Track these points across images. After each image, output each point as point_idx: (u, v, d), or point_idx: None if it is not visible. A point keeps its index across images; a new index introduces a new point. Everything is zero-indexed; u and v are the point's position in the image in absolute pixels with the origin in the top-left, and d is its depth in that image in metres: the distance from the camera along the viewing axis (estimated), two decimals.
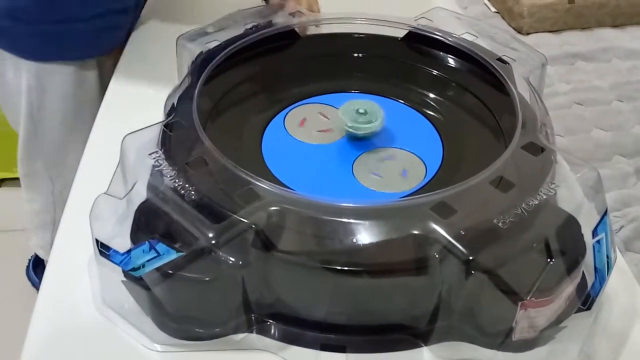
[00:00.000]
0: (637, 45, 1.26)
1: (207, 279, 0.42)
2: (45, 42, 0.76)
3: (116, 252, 0.43)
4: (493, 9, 1.40)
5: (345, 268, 0.41)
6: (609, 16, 1.31)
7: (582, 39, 1.28)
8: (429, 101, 0.63)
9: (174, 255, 0.41)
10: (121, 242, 0.44)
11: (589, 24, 1.32)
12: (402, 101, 0.63)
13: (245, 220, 0.41)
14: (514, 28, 1.32)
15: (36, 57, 0.76)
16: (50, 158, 0.83)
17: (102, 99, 0.71)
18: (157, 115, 0.54)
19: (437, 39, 0.63)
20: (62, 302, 0.48)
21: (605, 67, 1.21)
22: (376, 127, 0.56)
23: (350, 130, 0.56)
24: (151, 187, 0.46)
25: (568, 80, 1.18)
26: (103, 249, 0.44)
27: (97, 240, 0.44)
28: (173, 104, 0.52)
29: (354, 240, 0.41)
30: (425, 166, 0.55)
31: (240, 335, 0.45)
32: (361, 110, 0.56)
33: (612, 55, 1.24)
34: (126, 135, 0.48)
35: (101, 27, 0.77)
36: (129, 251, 0.43)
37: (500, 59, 0.59)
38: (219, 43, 0.60)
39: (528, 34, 1.31)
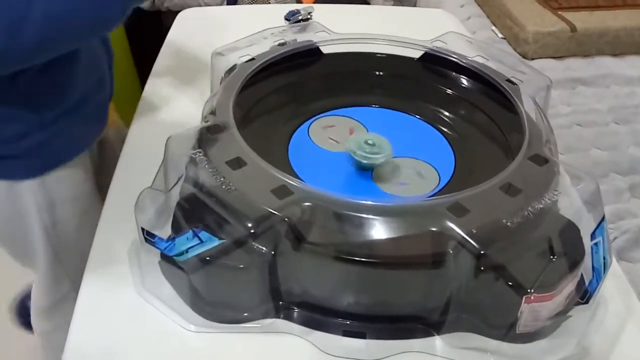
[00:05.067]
0: (634, 72, 1.31)
1: (242, 266, 0.47)
2: (38, 153, 0.63)
3: (161, 239, 0.48)
4: (500, 35, 1.46)
5: (368, 260, 0.45)
6: (608, 45, 1.37)
7: (583, 66, 1.33)
8: (443, 117, 0.68)
9: (216, 243, 0.45)
10: (159, 233, 0.48)
11: (590, 52, 1.37)
12: (417, 116, 0.68)
13: (280, 214, 0.46)
14: (519, 53, 1.38)
15: (35, 174, 0.64)
16: (76, 270, 0.57)
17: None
18: (185, 119, 0.57)
19: (451, 60, 0.68)
20: (104, 287, 0.52)
21: (604, 92, 1.26)
22: (382, 159, 0.57)
23: (358, 158, 0.56)
24: (193, 182, 0.50)
25: (569, 102, 1.23)
26: (148, 237, 0.48)
27: (142, 229, 0.49)
28: (212, 108, 0.57)
29: (377, 236, 0.46)
30: (439, 175, 0.60)
31: (269, 320, 0.49)
32: (370, 142, 0.57)
33: (611, 81, 1.30)
34: (171, 136, 0.53)
35: (87, 112, 0.67)
36: (172, 238, 0.47)
37: (509, 80, 0.64)
38: (251, 57, 0.65)
39: (532, 59, 1.36)
